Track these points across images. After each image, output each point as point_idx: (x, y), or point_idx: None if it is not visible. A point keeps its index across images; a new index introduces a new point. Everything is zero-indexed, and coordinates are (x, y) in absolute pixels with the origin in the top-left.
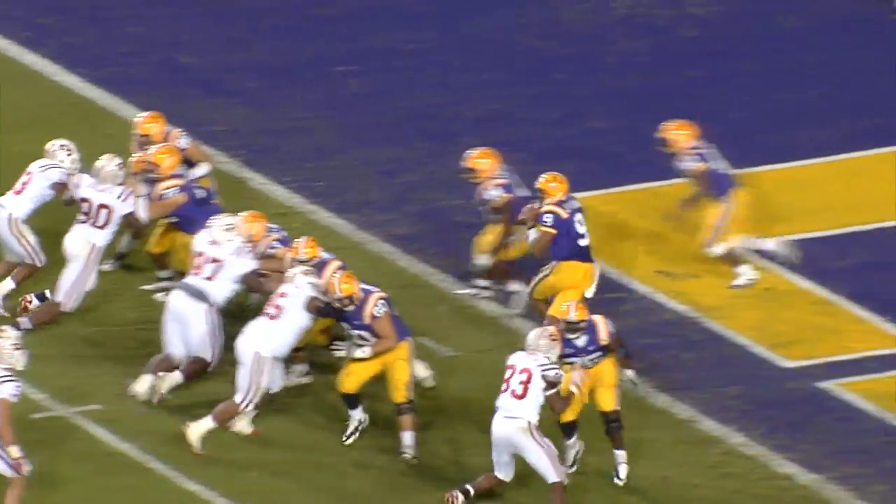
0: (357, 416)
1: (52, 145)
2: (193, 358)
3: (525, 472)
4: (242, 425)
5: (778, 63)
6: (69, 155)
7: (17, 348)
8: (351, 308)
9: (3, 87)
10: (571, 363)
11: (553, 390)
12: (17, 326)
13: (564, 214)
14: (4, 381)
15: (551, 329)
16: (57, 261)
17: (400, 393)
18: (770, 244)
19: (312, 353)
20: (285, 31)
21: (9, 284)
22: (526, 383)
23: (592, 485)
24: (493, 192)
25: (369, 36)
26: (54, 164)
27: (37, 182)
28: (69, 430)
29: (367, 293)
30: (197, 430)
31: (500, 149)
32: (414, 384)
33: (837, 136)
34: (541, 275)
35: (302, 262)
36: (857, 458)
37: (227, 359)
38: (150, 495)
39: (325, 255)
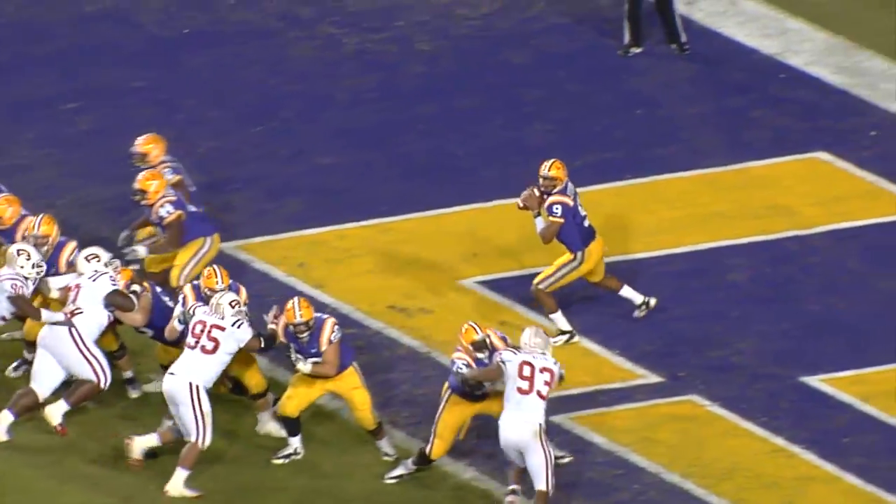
0: (294, 443)
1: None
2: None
3: None
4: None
5: (504, 99)
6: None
7: None
8: (306, 335)
9: None
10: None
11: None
12: None
13: (570, 202)
14: None
15: (539, 329)
16: None
17: (368, 420)
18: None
19: None
20: (4, 68)
21: None
22: (549, 384)
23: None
24: (164, 210)
25: (93, 73)
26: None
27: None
28: None
29: (321, 319)
30: (175, 483)
31: (231, 186)
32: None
33: (574, 169)
34: (567, 268)
35: (215, 291)
36: (587, 491)
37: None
38: None
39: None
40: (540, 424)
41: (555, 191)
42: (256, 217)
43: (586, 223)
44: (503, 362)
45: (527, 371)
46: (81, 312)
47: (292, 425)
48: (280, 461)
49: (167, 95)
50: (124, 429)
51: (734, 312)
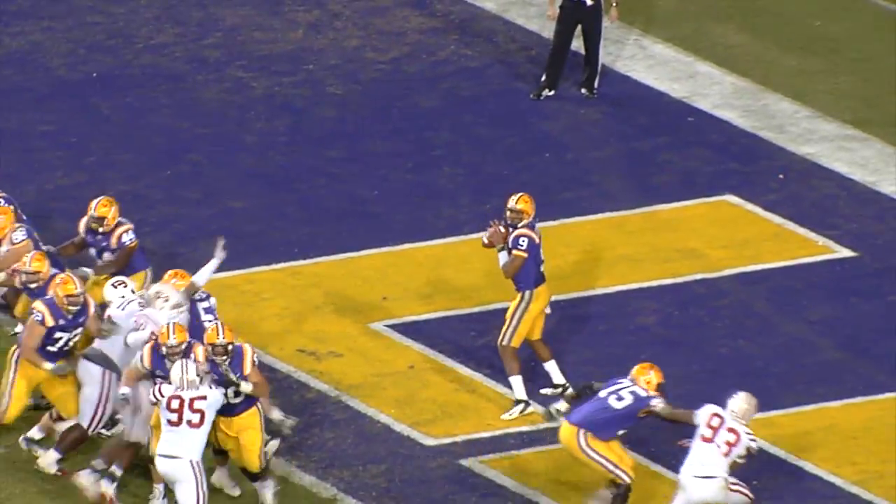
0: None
1: None
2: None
3: None
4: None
5: (414, 143)
6: None
7: None
8: (226, 359)
9: None
10: None
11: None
12: None
13: (536, 239)
14: None
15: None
16: None
17: (254, 463)
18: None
19: None
20: None
21: None
22: (732, 445)
23: None
24: (127, 237)
25: (1, 117)
26: None
27: None
28: None
29: (240, 346)
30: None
31: (141, 229)
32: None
33: (472, 215)
34: (519, 312)
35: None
36: None
37: None
38: None
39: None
40: (726, 479)
41: (521, 224)
42: (166, 260)
43: (542, 266)
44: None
45: (714, 421)
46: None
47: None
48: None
49: (76, 138)
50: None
51: (642, 355)
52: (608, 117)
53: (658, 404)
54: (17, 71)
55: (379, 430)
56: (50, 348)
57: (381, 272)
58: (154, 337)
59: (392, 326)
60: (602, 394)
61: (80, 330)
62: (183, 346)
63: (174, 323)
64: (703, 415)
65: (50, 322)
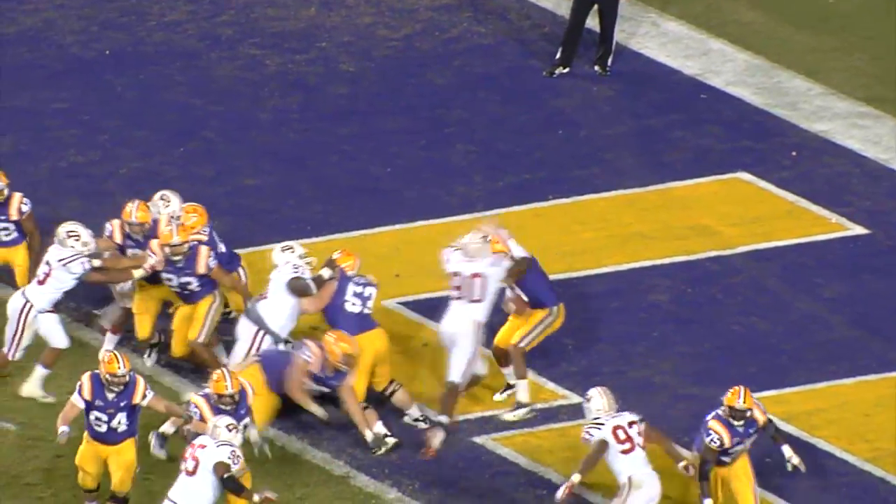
0: None
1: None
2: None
3: None
4: None
5: (427, 120)
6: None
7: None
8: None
9: None
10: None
11: None
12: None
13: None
14: None
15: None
16: None
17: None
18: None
19: None
20: None
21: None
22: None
23: None
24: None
25: (14, 94)
26: (73, 255)
27: (58, 275)
28: None
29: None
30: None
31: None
32: None
33: (485, 192)
34: (543, 325)
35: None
36: None
37: None
38: None
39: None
40: None
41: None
42: None
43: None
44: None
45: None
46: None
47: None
48: None
49: (89, 116)
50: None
51: (655, 333)
52: (621, 94)
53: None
54: (30, 48)
55: (391, 408)
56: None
57: (394, 249)
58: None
59: (405, 304)
60: None
61: (120, 415)
62: (237, 397)
63: (229, 371)
64: (607, 435)
65: (87, 397)
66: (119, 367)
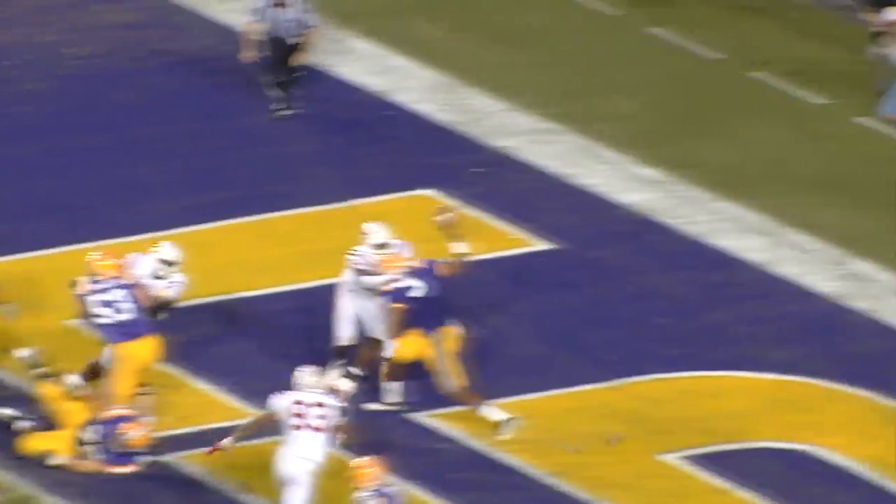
0: None
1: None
2: None
3: None
4: None
5: (114, 138)
6: None
7: None
8: None
9: None
10: None
11: None
12: None
13: None
14: None
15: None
16: None
17: None
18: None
19: None
20: None
21: None
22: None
23: None
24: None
25: None
26: None
27: None
28: None
29: None
30: None
31: None
32: None
33: (184, 207)
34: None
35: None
36: None
37: None
38: None
39: None
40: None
41: None
42: None
43: None
44: None
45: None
46: None
47: None
48: None
49: None
50: None
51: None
52: (309, 112)
53: None
54: None
55: None
56: None
57: (77, 269)
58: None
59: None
60: None
61: None
62: None
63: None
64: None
65: None
66: None
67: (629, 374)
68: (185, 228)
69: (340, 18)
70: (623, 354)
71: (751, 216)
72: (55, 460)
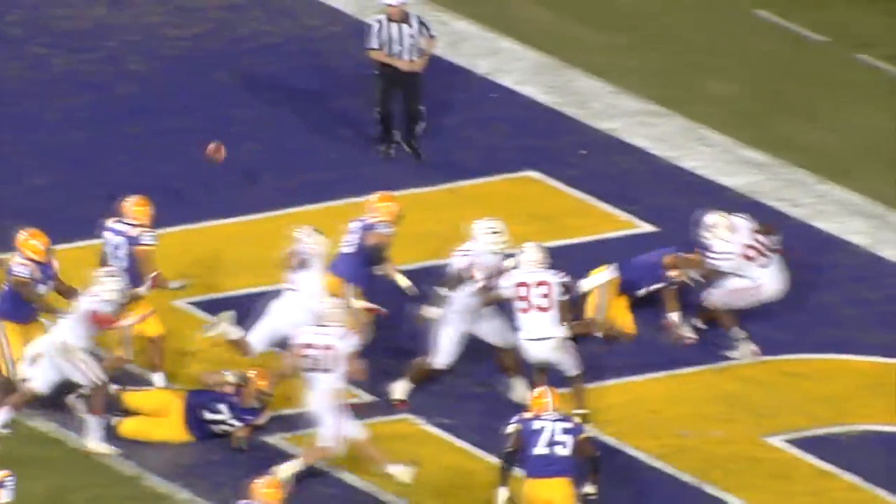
0: None
1: None
2: None
3: None
4: None
5: (214, 119)
6: None
7: None
8: None
9: None
10: None
11: None
12: None
13: None
14: None
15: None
16: None
17: None
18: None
19: None
20: None
21: None
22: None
23: None
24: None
25: None
26: None
27: None
28: None
29: None
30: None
31: None
32: None
33: (274, 191)
34: None
35: None
36: None
37: None
38: None
39: None
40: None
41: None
42: None
43: None
44: None
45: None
46: None
47: None
48: None
49: None
50: None
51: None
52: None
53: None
54: None
55: None
56: None
57: (184, 249)
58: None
59: (195, 304)
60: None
61: None
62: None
63: None
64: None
65: None
66: None
67: (735, 357)
68: (289, 209)
69: (448, 2)
70: (726, 336)
71: (854, 199)
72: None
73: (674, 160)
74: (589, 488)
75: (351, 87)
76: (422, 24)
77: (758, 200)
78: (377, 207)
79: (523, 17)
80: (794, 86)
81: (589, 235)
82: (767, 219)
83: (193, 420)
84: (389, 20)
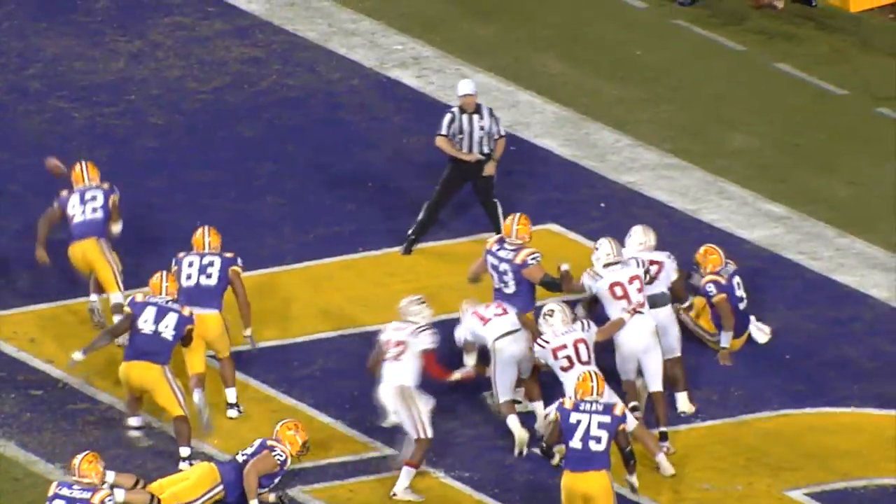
0: None
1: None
2: None
3: None
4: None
5: (236, 173)
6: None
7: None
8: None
9: None
10: None
11: None
12: None
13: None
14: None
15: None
16: None
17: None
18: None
19: None
20: None
21: None
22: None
23: None
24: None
25: None
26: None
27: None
28: None
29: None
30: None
31: None
32: None
33: (295, 245)
34: None
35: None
36: None
37: None
38: None
39: None
40: None
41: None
42: None
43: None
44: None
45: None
46: None
47: None
48: None
49: None
50: None
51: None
52: (432, 145)
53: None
54: None
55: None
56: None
57: None
58: None
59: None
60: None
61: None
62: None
63: None
64: (604, 288)
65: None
66: None
67: (755, 410)
68: (307, 263)
69: (467, 54)
70: (749, 389)
71: (875, 252)
72: None
73: (693, 213)
74: (633, 479)
75: (373, 141)
76: (492, 116)
77: (777, 253)
78: (518, 232)
79: (542, 70)
80: (814, 139)
81: None
82: (786, 271)
83: None
84: (462, 111)
